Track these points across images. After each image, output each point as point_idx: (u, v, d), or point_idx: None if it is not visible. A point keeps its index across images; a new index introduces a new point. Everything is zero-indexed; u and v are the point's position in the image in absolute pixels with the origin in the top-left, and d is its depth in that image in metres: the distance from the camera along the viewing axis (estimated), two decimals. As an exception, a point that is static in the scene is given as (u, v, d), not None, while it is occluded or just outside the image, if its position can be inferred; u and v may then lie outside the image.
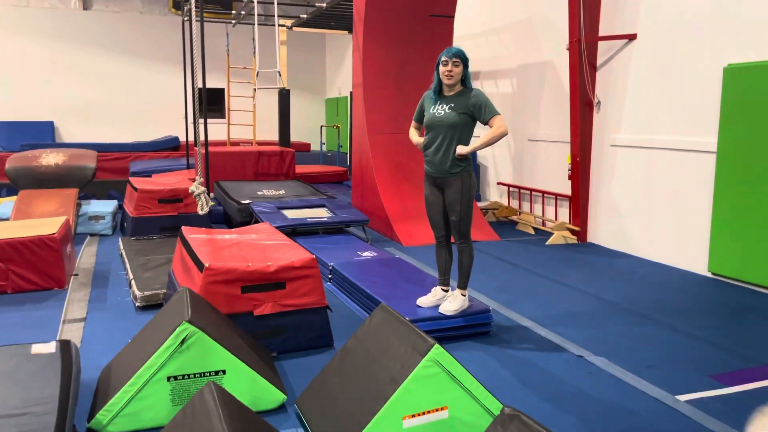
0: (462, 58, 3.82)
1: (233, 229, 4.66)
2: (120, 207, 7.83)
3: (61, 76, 14.42)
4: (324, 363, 3.53)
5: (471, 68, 3.99)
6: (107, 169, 12.73)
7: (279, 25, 10.38)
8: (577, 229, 7.02)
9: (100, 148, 13.10)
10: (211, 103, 15.46)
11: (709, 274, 5.58)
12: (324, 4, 10.16)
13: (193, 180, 6.91)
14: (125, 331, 4.01)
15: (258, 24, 9.54)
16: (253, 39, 10.50)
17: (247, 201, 7.28)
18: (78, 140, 14.26)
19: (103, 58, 14.88)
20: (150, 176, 10.31)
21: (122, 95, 15.12)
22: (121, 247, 6.07)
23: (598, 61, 6.84)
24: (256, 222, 6.79)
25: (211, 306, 3.39)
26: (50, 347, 3.22)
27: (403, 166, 7.74)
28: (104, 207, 7.20)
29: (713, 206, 5.49)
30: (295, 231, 6.50)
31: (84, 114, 14.74)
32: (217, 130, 14.09)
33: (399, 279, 4.76)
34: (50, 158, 7.29)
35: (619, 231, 6.67)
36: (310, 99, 16.76)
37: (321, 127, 13.79)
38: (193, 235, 4.21)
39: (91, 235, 7.05)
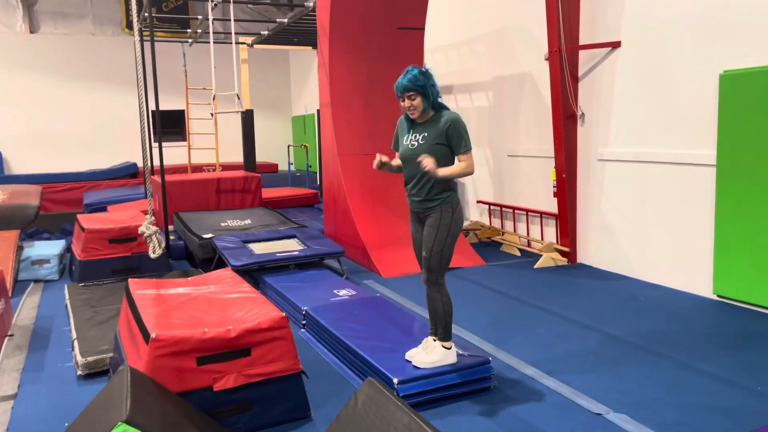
0: (416, 89, 3.34)
1: (190, 278, 4.06)
2: (69, 247, 7.12)
3: (8, 104, 13.55)
4: (300, 442, 2.97)
5: (443, 82, 3.51)
6: (59, 201, 11.98)
7: (238, 43, 9.83)
8: (566, 249, 6.57)
9: (51, 178, 12.32)
10: (171, 125, 14.76)
11: (715, 297, 5.17)
12: (286, 20, 9.63)
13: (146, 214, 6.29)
14: (62, 410, 3.38)
15: (217, 42, 8.96)
16: (211, 59, 9.92)
17: (210, 235, 6.66)
18: (28, 171, 13.39)
19: (53, 83, 14.05)
20: (105, 209, 9.65)
21: (75, 121, 14.30)
22: (67, 296, 5.39)
23: (580, 71, 6.44)
24: (220, 259, 6.18)
25: (160, 387, 2.79)
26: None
27: (377, 189, 7.22)
28: (49, 249, 6.48)
29: (715, 223, 5.09)
30: (264, 267, 5.91)
31: (34, 143, 13.87)
32: (178, 153, 13.42)
33: (383, 323, 4.21)
34: (-14, 198, 6.58)
35: (611, 251, 6.24)
36: (276, 117, 16.14)
37: (288, 146, 13.21)
38: (140, 290, 3.60)
39: (36, 281, 6.33)
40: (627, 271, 6.06)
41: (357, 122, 7.35)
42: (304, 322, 4.69)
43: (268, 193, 10.18)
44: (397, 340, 3.87)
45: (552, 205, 6.90)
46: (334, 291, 5.16)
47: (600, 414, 3.20)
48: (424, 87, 3.33)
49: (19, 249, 6.33)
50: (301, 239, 6.53)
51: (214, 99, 7.93)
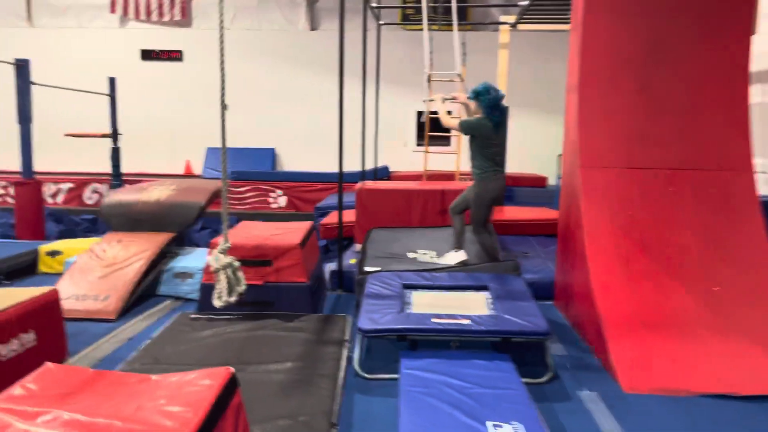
0: (473, 98, 4.97)
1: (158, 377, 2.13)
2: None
3: (286, 100, 13.81)
4: None
5: None
6: (308, 201, 11.83)
7: (493, 23, 7.72)
8: None
9: (308, 177, 12.22)
10: (439, 128, 13.48)
11: None
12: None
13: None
14: None
15: (474, 29, 7.01)
16: (462, 43, 8.01)
17: (376, 268, 4.72)
18: (296, 168, 13.55)
19: (331, 80, 13.93)
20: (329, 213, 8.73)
21: (347, 119, 13.96)
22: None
23: None
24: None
25: None
26: None
27: (643, 227, 4.33)
28: (195, 261, 5.33)
29: None
30: (409, 337, 3.68)
31: (307, 140, 13.87)
32: (447, 160, 11.78)
33: None
34: (153, 193, 5.75)
35: None
36: (546, 119, 13.36)
37: (558, 156, 10.51)
38: None
39: (176, 298, 5.23)
40: None
41: (621, 114, 4.55)
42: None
43: (510, 212, 7.81)
44: None
45: None
46: (514, 425, 2.66)
47: None
48: (477, 96, 4.86)
49: (167, 256, 5.32)
50: (494, 296, 4.09)
51: (428, 81, 6.00)
